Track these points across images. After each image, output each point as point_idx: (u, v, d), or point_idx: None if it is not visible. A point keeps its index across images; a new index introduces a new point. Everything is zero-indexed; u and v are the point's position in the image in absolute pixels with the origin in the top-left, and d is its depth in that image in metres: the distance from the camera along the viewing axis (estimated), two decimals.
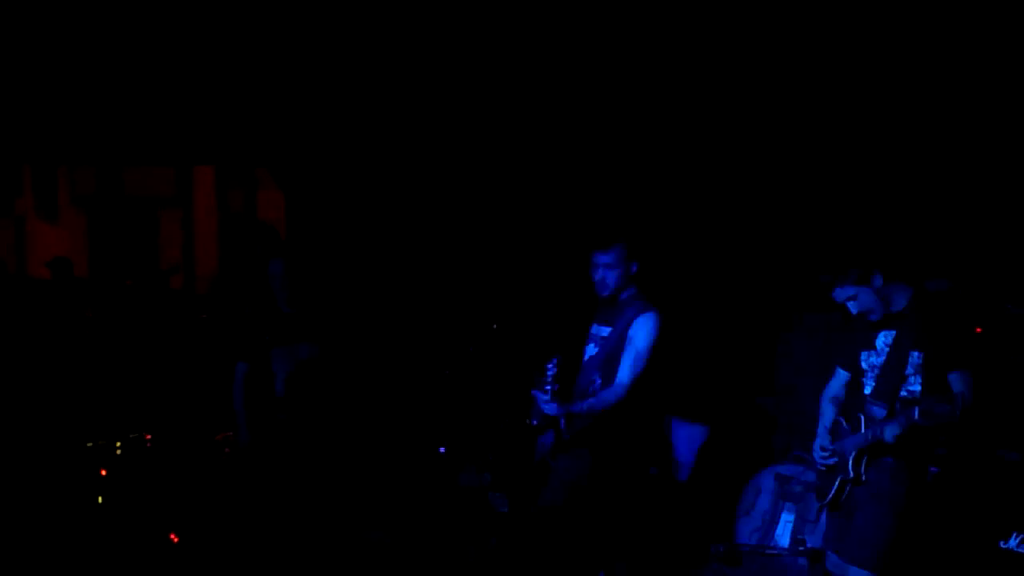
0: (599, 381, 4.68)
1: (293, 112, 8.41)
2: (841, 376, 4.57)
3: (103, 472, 6.36)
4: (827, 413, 4.58)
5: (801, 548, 5.41)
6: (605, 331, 4.91)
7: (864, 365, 4.35)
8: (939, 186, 6.53)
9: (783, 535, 5.64)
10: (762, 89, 7.01)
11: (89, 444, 6.48)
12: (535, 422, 6.64)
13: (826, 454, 4.41)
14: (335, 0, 6.73)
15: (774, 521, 5.71)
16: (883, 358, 4.26)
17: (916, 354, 4.15)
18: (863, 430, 4.21)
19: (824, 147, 7.03)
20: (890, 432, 4.02)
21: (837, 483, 4.33)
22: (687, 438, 7.05)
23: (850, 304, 4.29)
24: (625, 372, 4.71)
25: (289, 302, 5.39)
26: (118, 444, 6.40)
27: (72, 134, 8.79)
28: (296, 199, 9.93)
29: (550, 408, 4.60)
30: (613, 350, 4.81)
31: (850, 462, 4.25)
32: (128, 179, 11.64)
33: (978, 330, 5.27)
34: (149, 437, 6.37)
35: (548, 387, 4.56)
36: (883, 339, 4.28)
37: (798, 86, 6.85)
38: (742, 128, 7.35)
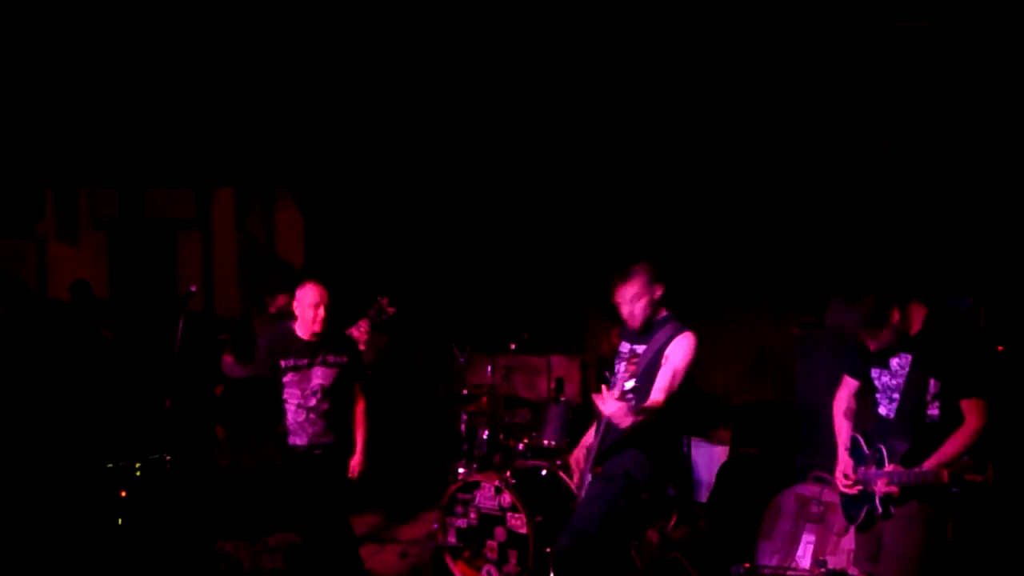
0: (634, 399, 4.64)
1: (311, 134, 8.47)
2: (850, 384, 4.52)
3: (123, 493, 6.37)
4: (843, 430, 4.54)
5: (822, 569, 5.38)
6: (640, 348, 4.87)
7: (877, 383, 4.32)
8: (959, 202, 6.50)
9: (804, 556, 5.61)
10: (778, 112, 7.02)
11: (109, 466, 6.50)
12: (553, 442, 6.62)
13: (849, 483, 4.37)
14: (354, 26, 6.76)
15: (795, 542, 5.67)
16: (899, 380, 4.22)
17: (933, 381, 4.12)
18: (887, 466, 4.18)
19: (840, 159, 7.02)
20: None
21: (864, 512, 4.30)
22: (706, 458, 7.02)
23: (869, 342, 4.25)
24: (661, 389, 4.69)
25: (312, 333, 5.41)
26: (138, 466, 6.42)
27: (93, 158, 8.87)
28: (314, 220, 9.98)
29: (613, 407, 4.44)
30: (649, 368, 4.78)
31: (877, 499, 4.22)
32: (148, 202, 11.72)
33: (999, 348, 5.23)
34: (169, 458, 6.38)
35: (622, 384, 4.44)
36: (898, 361, 4.24)
37: (812, 107, 6.87)
38: (758, 146, 7.35)
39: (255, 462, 6.10)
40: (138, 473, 6.42)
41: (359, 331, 5.64)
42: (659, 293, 4.86)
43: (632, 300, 4.84)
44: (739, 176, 7.54)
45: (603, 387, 4.52)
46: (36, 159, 8.86)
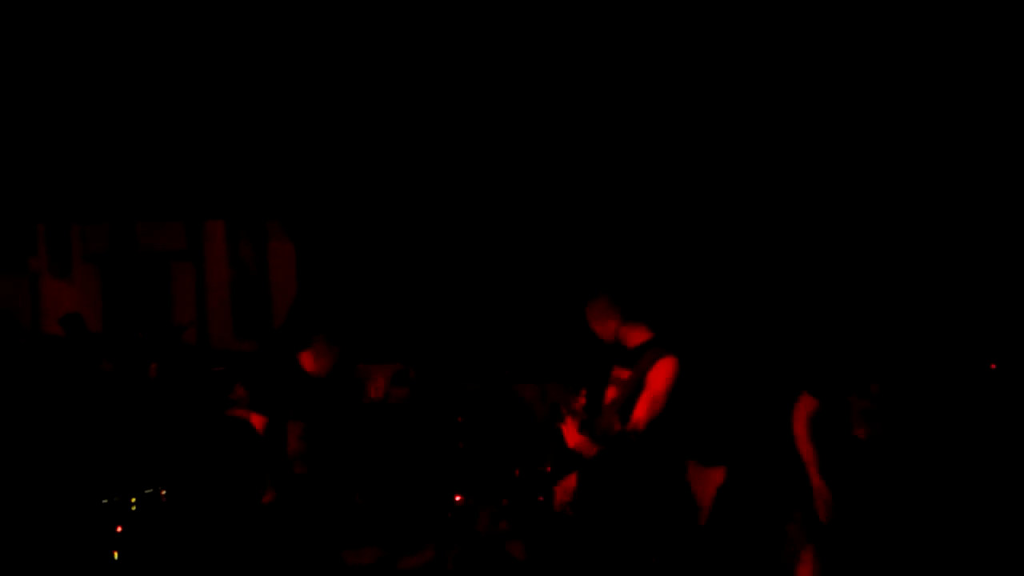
0: (617, 425, 4.66)
1: (302, 164, 8.49)
2: (810, 403, 4.49)
3: (119, 529, 6.35)
4: (811, 452, 4.48)
5: None
6: (624, 375, 4.92)
7: (854, 408, 4.33)
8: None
9: None
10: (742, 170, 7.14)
11: (104, 501, 6.47)
12: (550, 468, 6.64)
13: (829, 509, 4.38)
14: (342, 55, 6.81)
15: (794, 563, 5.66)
16: (878, 405, 4.25)
17: (911, 418, 4.16)
18: (867, 499, 4.21)
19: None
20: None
21: (848, 538, 4.31)
22: (704, 481, 7.00)
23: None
24: (641, 413, 4.71)
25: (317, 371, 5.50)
26: (133, 500, 6.40)
27: (84, 193, 8.89)
28: (307, 249, 10.00)
29: (576, 439, 4.56)
30: (632, 394, 4.81)
31: (858, 526, 4.24)
32: (140, 235, 11.73)
33: (992, 366, 5.25)
34: (164, 493, 6.36)
35: (576, 417, 4.55)
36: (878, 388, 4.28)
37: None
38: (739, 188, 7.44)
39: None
40: (133, 508, 6.40)
41: (376, 389, 5.75)
42: (626, 317, 4.93)
43: (593, 323, 5.00)
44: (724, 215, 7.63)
45: (568, 419, 4.60)
46: (27, 195, 8.87)
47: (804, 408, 4.48)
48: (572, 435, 4.54)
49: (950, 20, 6.06)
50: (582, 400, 4.61)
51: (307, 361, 5.51)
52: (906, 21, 6.18)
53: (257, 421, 5.46)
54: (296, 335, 5.86)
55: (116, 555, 6.29)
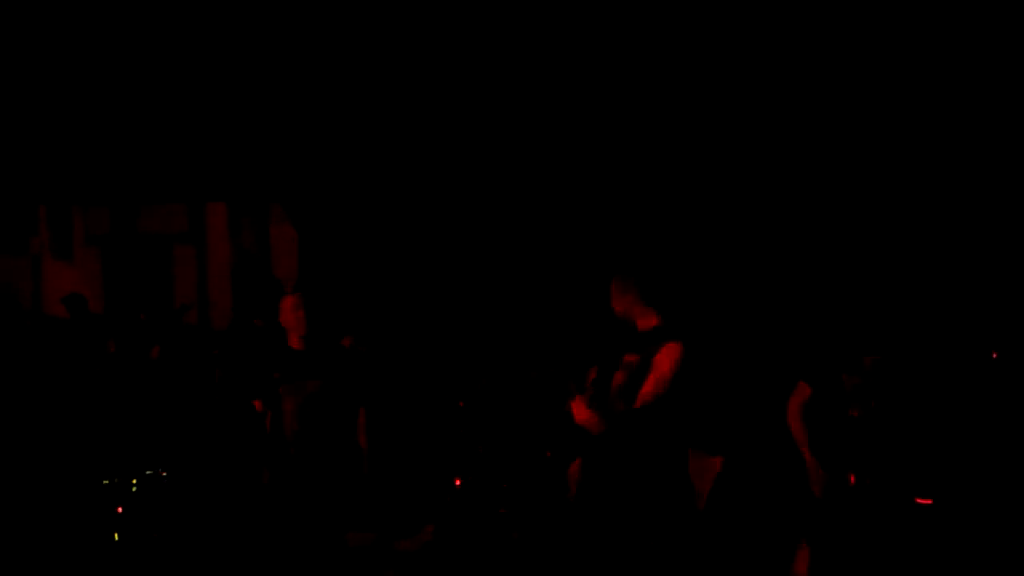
0: (623, 408, 4.66)
1: (304, 148, 8.49)
2: (805, 390, 4.56)
3: (119, 510, 6.37)
4: (803, 434, 4.55)
5: None
6: (632, 359, 4.94)
7: (847, 387, 4.36)
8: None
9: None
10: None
11: (105, 482, 6.49)
12: (549, 453, 6.65)
13: (823, 488, 4.40)
14: (347, 41, 6.80)
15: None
16: (869, 381, 4.29)
17: (905, 411, 4.19)
18: (859, 487, 4.23)
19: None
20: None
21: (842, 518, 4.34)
22: (702, 468, 7.02)
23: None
24: (644, 397, 4.72)
25: (301, 339, 5.46)
26: (134, 482, 6.42)
27: (86, 175, 8.90)
28: (309, 233, 10.00)
29: (584, 414, 4.56)
30: (638, 376, 4.82)
31: (850, 511, 4.26)
32: (142, 217, 11.73)
33: (994, 355, 5.26)
34: (165, 474, 6.38)
35: (586, 392, 4.55)
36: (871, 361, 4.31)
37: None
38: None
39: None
40: (134, 489, 6.42)
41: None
42: (636, 299, 4.95)
43: (615, 292, 4.99)
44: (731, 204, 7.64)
45: (577, 396, 4.61)
46: (30, 176, 8.88)
47: (798, 395, 4.62)
48: (581, 410, 4.52)
49: (950, 20, 6.04)
50: (592, 375, 4.61)
51: (291, 338, 5.49)
52: (907, 21, 6.17)
53: (258, 403, 5.50)
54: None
55: (117, 536, 6.32)
